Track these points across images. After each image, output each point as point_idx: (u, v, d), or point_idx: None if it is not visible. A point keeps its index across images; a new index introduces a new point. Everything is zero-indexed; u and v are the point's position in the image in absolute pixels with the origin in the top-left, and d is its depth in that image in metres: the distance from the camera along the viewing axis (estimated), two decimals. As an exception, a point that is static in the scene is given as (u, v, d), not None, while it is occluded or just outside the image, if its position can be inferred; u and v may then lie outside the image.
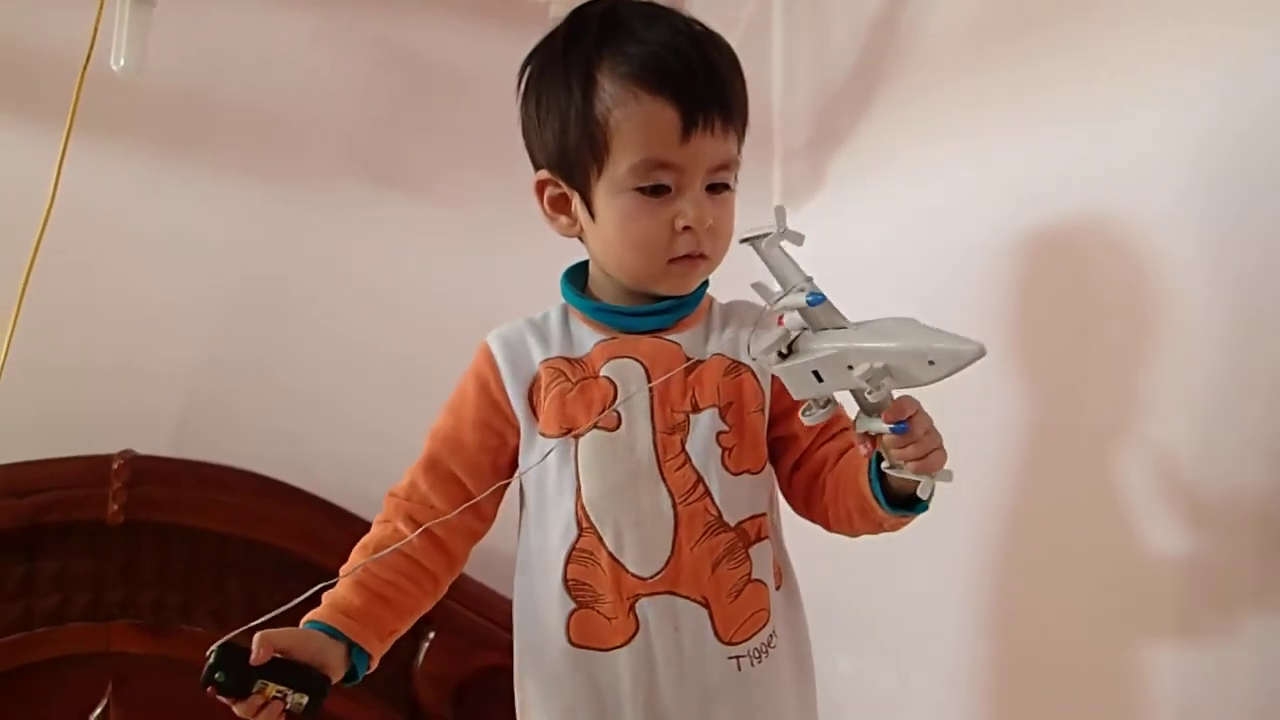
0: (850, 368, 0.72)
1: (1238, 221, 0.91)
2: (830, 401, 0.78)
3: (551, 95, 0.91)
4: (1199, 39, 0.95)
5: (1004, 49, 1.18)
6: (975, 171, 1.22)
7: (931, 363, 0.69)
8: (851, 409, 0.80)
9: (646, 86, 0.86)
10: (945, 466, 0.78)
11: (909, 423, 0.75)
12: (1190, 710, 0.96)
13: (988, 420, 1.18)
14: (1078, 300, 1.10)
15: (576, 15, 0.93)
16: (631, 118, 0.87)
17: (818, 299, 0.73)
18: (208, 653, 0.79)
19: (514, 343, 0.96)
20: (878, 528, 0.88)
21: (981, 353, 0.67)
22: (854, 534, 0.93)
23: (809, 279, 0.76)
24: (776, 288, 0.78)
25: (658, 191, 0.88)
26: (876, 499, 0.84)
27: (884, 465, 0.81)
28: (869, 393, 0.73)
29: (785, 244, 0.77)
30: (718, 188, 0.91)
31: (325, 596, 0.88)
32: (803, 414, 0.79)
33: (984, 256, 1.21)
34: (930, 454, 0.77)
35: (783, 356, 0.77)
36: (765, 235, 0.77)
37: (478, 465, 0.95)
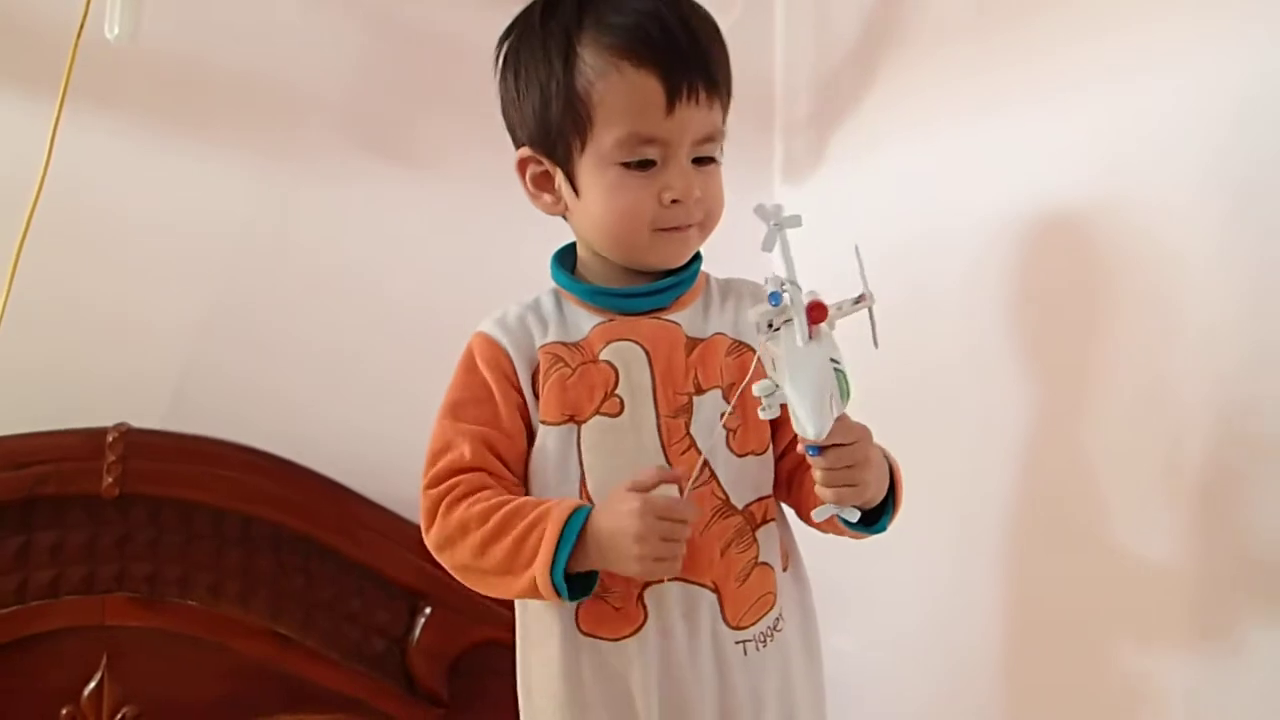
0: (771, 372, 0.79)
1: (1254, 197, 0.90)
2: (774, 394, 0.78)
3: (531, 69, 0.90)
4: (1207, 8, 0.93)
5: (1008, 21, 1.17)
6: (979, 146, 1.21)
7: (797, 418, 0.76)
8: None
9: (630, 57, 0.85)
10: (851, 507, 0.81)
11: (823, 452, 0.78)
12: (1195, 705, 0.95)
13: (994, 405, 1.17)
14: (1083, 278, 1.09)
15: None
16: (614, 90, 0.85)
17: (776, 298, 0.77)
18: None
19: (514, 328, 0.93)
20: (840, 533, 0.88)
21: (817, 436, 0.75)
22: (824, 531, 0.92)
23: (794, 283, 0.77)
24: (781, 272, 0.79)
25: (644, 166, 0.87)
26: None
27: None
28: (763, 409, 0.77)
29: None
30: (704, 160, 0.90)
31: (535, 526, 0.83)
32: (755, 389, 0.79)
33: (986, 232, 1.20)
34: (838, 489, 0.80)
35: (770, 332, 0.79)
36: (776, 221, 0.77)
37: (520, 454, 0.92)
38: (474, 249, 1.52)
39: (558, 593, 0.82)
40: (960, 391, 1.24)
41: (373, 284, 1.49)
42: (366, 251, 1.50)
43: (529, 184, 0.94)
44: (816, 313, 0.76)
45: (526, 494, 0.92)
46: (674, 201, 0.87)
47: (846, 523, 0.83)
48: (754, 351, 0.92)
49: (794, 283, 0.77)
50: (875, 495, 0.85)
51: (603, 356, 0.91)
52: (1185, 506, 0.96)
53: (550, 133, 0.89)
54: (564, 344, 0.92)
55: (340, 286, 1.48)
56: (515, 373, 0.91)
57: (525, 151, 0.93)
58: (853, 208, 1.45)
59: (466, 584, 0.91)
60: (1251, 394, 0.90)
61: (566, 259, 0.98)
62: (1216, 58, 0.92)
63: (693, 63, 0.86)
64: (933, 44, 1.31)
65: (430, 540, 0.90)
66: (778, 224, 0.76)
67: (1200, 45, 0.94)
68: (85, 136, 1.30)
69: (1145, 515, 0.99)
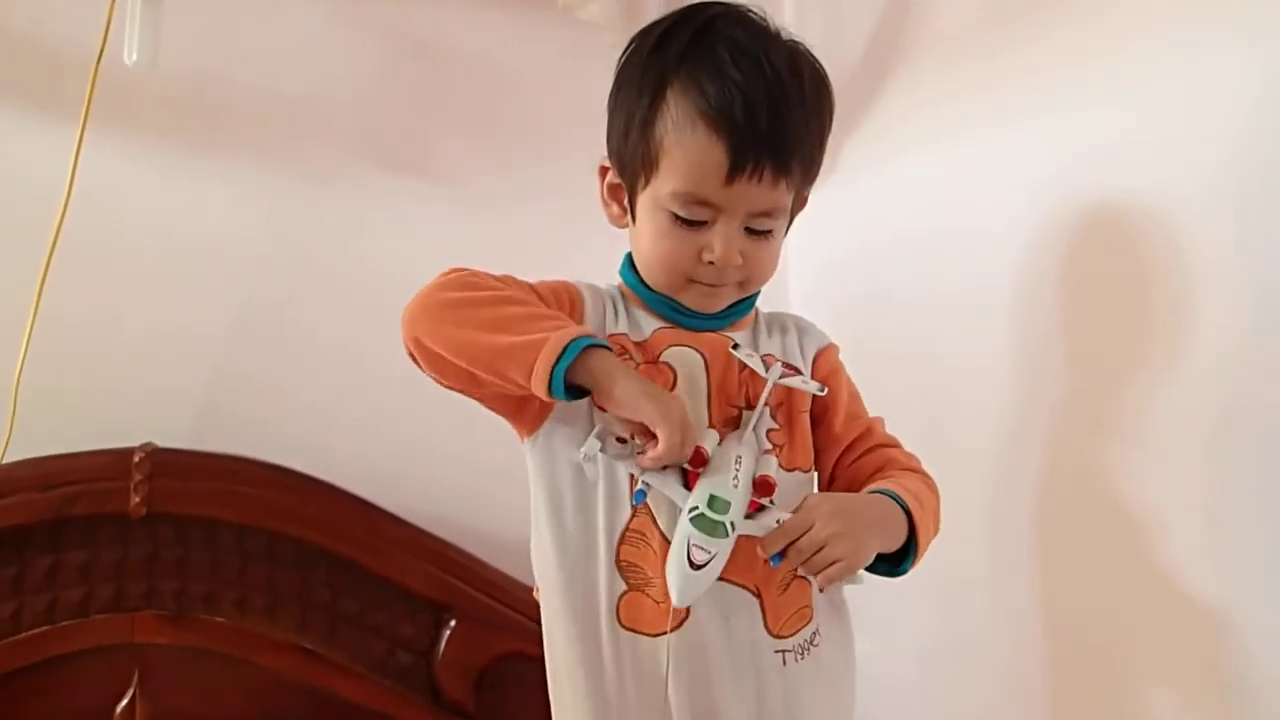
0: None
1: (1270, 195, 0.90)
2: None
3: (627, 91, 0.92)
4: (1226, 6, 0.93)
5: (1020, 25, 1.17)
6: (990, 153, 1.21)
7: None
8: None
9: (706, 120, 0.85)
10: (853, 573, 0.83)
11: (782, 555, 0.81)
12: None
13: (1009, 412, 1.17)
14: (1097, 283, 1.09)
15: (682, 15, 0.92)
16: (684, 146, 0.86)
17: (640, 496, 0.86)
18: None
19: (595, 299, 0.95)
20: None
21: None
22: None
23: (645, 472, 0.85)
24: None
25: (692, 222, 0.89)
26: None
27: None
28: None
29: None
30: (757, 231, 0.90)
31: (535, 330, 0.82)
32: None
33: (998, 239, 1.20)
34: (825, 570, 0.81)
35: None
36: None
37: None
38: (497, 265, 1.52)
39: (558, 359, 0.79)
40: (976, 396, 1.24)
41: (394, 300, 1.49)
42: (388, 267, 1.50)
43: (605, 191, 0.97)
44: (696, 461, 0.84)
45: (557, 487, 0.91)
46: (710, 262, 0.89)
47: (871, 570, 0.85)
48: (800, 373, 0.95)
49: (645, 471, 0.83)
50: (890, 542, 0.87)
51: (664, 358, 0.92)
52: (1219, 512, 0.95)
53: (624, 157, 0.92)
54: (630, 339, 0.93)
55: (361, 302, 1.49)
56: (584, 317, 0.93)
57: (606, 160, 0.96)
58: (865, 215, 1.45)
59: (433, 321, 0.90)
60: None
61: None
62: (1226, 59, 0.92)
63: (766, 143, 0.85)
64: (943, 51, 1.31)
65: (417, 298, 0.92)
66: (586, 456, 0.83)
67: (1209, 47, 0.94)
68: (107, 159, 1.32)
69: (1176, 523, 0.99)
